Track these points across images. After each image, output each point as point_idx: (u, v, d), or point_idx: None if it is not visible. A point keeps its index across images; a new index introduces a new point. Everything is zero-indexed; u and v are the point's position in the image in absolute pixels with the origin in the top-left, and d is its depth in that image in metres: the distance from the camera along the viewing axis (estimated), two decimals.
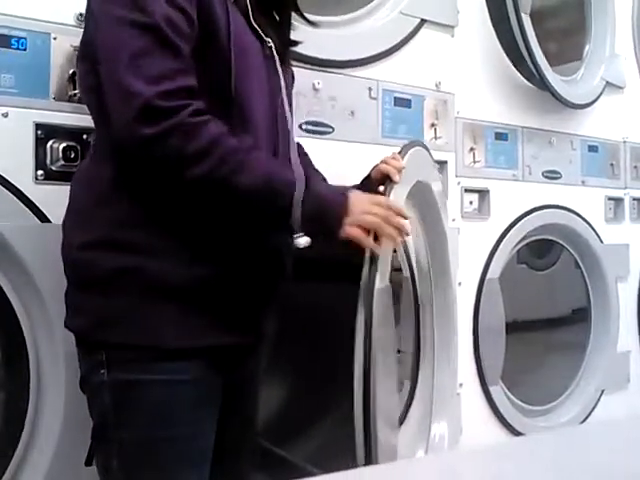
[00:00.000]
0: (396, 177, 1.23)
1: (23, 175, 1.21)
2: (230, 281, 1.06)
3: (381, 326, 1.17)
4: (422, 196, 1.49)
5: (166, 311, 1.02)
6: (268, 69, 1.14)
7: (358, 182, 1.31)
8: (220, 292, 1.05)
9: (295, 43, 1.28)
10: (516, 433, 2.03)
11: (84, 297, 1.05)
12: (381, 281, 1.19)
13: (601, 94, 2.27)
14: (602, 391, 2.32)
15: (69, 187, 1.12)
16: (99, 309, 1.02)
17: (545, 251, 2.34)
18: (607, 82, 2.29)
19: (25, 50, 1.22)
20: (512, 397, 2.08)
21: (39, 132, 1.23)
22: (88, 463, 1.17)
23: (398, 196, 1.26)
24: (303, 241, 1.10)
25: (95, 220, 1.04)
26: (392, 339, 1.33)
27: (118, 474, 1.04)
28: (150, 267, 1.02)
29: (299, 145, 1.35)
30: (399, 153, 1.31)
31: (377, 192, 1.21)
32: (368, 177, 1.29)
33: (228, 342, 1.09)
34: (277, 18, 1.24)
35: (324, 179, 1.34)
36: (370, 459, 1.12)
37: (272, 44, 1.16)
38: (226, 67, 1.05)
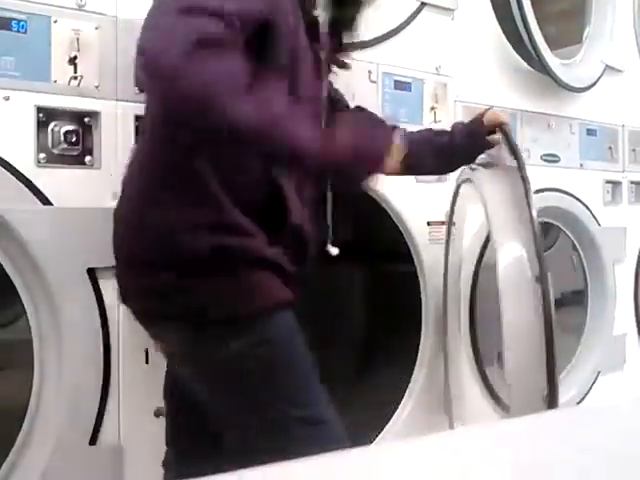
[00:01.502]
0: (508, 121, 1.47)
1: (25, 158, 1.22)
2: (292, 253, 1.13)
3: None
4: None
5: (257, 279, 1.08)
6: (316, 72, 1.17)
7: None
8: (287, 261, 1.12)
9: (346, 49, 1.30)
10: None
11: (188, 279, 1.05)
12: None
13: (600, 77, 2.27)
14: (598, 373, 2.34)
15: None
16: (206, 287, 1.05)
17: (543, 234, 2.35)
18: (606, 65, 2.29)
19: (25, 33, 1.22)
20: None
21: (40, 115, 1.24)
22: (92, 442, 1.19)
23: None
24: (335, 250, 1.26)
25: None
26: None
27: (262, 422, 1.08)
28: (246, 245, 1.07)
29: (360, 108, 1.43)
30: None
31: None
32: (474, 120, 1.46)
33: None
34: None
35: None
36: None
37: (324, 49, 1.18)
38: (286, 60, 1.06)
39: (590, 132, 2.31)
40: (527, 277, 1.32)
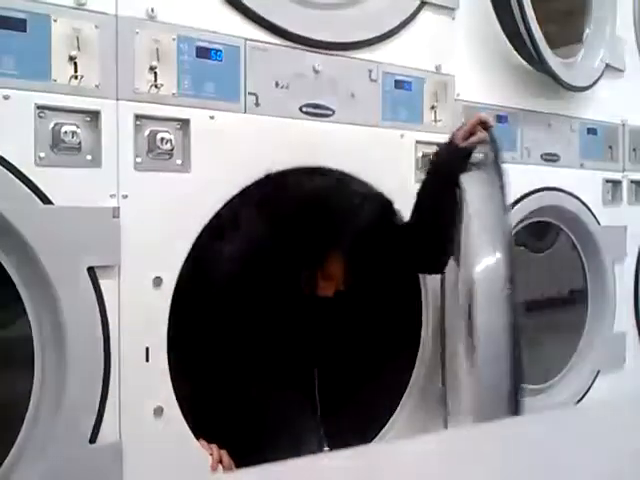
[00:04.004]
0: (492, 122, 1.53)
1: (25, 157, 1.22)
2: None
3: None
4: None
5: None
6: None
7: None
8: None
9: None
10: None
11: None
12: None
13: (601, 77, 2.26)
14: (598, 371, 2.34)
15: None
16: None
17: (543, 233, 2.35)
18: (607, 65, 2.28)
19: (25, 32, 1.22)
20: None
21: (40, 114, 1.24)
22: (92, 441, 1.19)
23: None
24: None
25: None
26: None
27: None
28: None
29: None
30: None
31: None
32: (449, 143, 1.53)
33: None
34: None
35: None
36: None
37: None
38: None
39: (590, 131, 2.31)
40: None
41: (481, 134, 1.51)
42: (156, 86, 1.35)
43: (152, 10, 1.35)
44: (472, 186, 1.48)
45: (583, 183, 2.27)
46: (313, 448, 1.49)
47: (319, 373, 1.60)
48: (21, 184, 1.21)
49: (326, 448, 1.53)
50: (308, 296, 1.50)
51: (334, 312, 1.53)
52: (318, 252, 1.47)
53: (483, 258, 1.39)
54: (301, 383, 1.57)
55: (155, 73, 1.35)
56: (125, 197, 1.31)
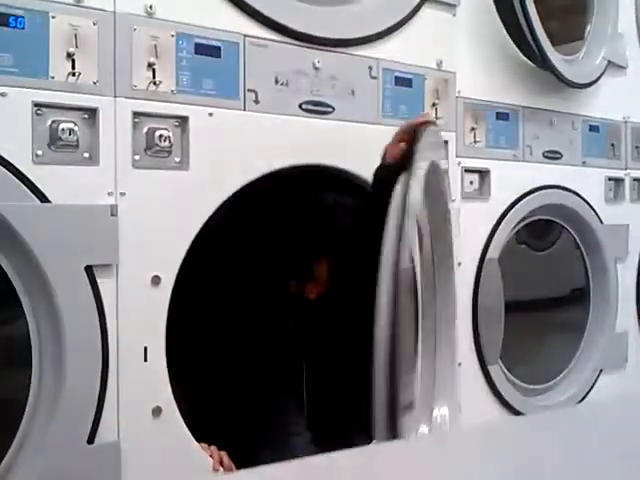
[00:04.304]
0: (432, 118, 1.50)
1: (22, 155, 1.21)
2: None
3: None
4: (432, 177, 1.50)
5: None
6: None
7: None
8: None
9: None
10: (515, 412, 2.05)
11: None
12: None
13: (603, 74, 2.26)
14: (600, 371, 2.34)
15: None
16: None
17: (545, 231, 2.34)
18: (609, 61, 2.28)
19: (23, 29, 1.22)
20: (511, 376, 2.10)
21: (38, 112, 1.23)
22: (90, 441, 1.18)
23: (417, 181, 1.30)
24: None
25: None
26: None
27: None
28: None
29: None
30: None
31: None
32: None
33: None
34: None
35: None
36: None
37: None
38: None
39: (593, 128, 2.30)
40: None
41: (395, 148, 1.40)
42: (154, 83, 1.34)
43: (150, 7, 1.35)
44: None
45: (585, 181, 2.26)
46: (301, 450, 1.49)
47: (310, 373, 1.60)
48: (18, 182, 1.20)
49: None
50: (296, 297, 1.54)
51: (325, 312, 1.54)
52: (307, 261, 1.50)
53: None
54: (292, 385, 1.57)
55: (153, 70, 1.34)
56: (123, 195, 1.30)
